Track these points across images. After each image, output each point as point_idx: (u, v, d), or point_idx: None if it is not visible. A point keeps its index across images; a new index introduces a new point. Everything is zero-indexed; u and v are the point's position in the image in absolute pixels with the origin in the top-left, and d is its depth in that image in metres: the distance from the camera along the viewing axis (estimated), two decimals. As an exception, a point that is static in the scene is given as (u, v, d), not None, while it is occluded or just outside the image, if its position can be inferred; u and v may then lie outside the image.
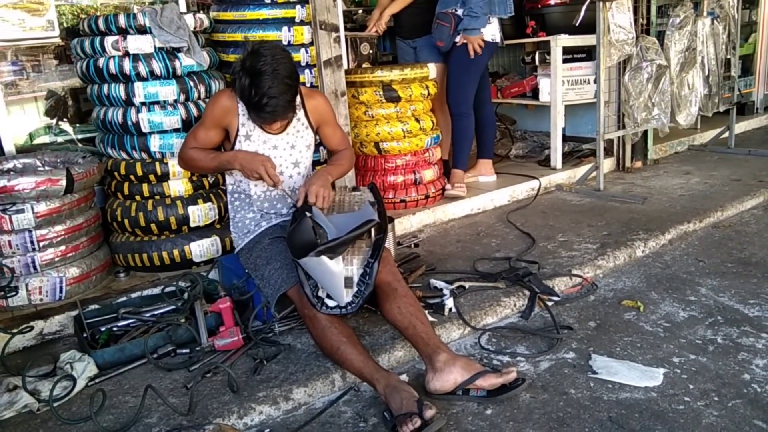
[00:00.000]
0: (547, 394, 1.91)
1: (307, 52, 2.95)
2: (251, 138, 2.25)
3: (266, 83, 2.01)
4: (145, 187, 2.71)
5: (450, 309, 2.35)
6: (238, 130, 2.24)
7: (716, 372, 1.97)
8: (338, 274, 1.91)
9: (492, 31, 3.51)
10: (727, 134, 4.90)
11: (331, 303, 1.95)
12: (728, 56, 4.58)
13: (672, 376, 1.96)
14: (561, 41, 4.05)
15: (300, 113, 2.31)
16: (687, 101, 4.32)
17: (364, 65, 4.22)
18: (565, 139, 4.37)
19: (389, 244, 2.78)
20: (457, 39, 3.49)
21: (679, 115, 4.30)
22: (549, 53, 4.14)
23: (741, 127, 5.36)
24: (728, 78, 4.70)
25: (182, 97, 2.68)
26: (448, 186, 3.55)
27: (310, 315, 1.99)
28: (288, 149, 2.31)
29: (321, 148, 3.08)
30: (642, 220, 3.28)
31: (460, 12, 3.45)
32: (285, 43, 2.90)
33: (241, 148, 2.25)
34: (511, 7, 3.51)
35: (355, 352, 1.91)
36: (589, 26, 3.84)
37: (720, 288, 2.57)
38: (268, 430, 1.82)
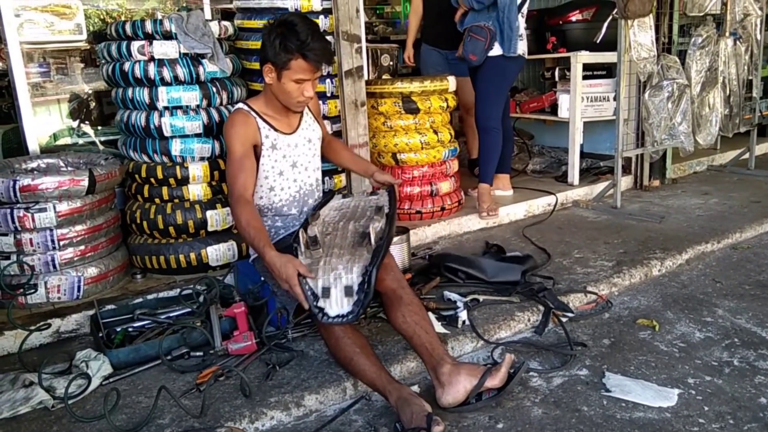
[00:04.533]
0: (559, 411, 1.90)
1: (328, 61, 2.98)
2: (277, 146, 2.30)
3: (304, 27, 2.12)
4: (164, 190, 2.74)
5: (463, 321, 2.34)
6: (262, 144, 2.28)
7: (732, 395, 1.95)
8: None
9: (522, 47, 3.49)
10: (747, 155, 4.87)
11: (331, 312, 1.89)
12: (750, 77, 4.56)
13: (687, 397, 1.94)
14: (581, 58, 4.06)
15: (306, 108, 2.42)
16: (707, 121, 4.30)
17: (384, 76, 4.24)
18: (583, 155, 4.36)
19: (404, 254, 2.79)
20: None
21: (699, 134, 4.28)
22: (569, 69, 4.15)
23: (761, 148, 5.31)
24: (749, 99, 4.67)
25: (205, 103, 2.72)
26: (483, 213, 3.54)
27: (324, 325, 1.99)
28: (307, 144, 2.40)
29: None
30: (659, 239, 3.26)
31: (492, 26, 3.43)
32: (307, 52, 2.93)
33: (269, 160, 2.29)
34: (517, 47, 3.47)
35: (368, 364, 1.91)
36: (610, 43, 3.84)
37: (737, 310, 2.54)
38: (278, 435, 1.83)
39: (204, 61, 2.69)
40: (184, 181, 2.73)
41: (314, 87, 2.24)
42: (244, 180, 2.20)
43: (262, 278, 2.34)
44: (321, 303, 1.88)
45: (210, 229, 2.77)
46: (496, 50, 3.42)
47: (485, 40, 3.39)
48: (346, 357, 1.95)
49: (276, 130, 2.30)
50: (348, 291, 1.87)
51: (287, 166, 2.32)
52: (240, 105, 2.33)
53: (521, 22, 3.43)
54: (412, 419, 1.74)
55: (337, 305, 1.88)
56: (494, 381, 1.89)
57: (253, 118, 2.27)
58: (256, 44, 2.93)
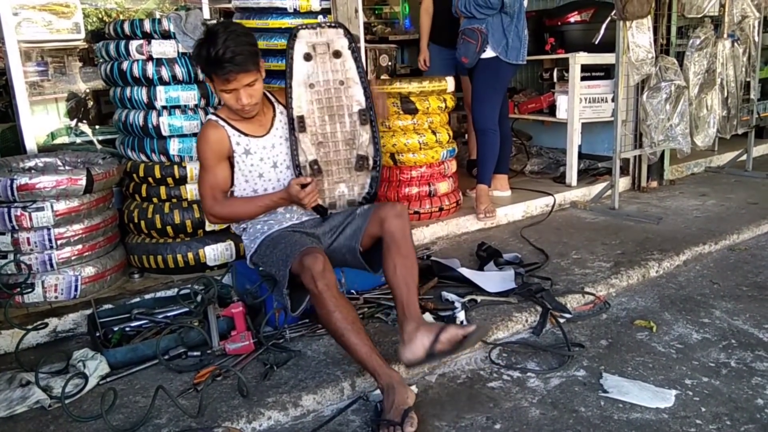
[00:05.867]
0: (556, 411, 1.90)
1: (327, 61, 2.97)
2: (250, 151, 2.26)
3: (222, 38, 2.04)
4: (162, 189, 2.74)
5: (461, 322, 2.34)
6: (234, 151, 2.25)
7: (729, 396, 1.95)
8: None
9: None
10: (744, 157, 4.87)
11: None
12: (748, 79, 4.56)
13: (684, 398, 1.95)
14: (580, 59, 4.06)
15: (280, 108, 2.36)
16: (705, 122, 4.30)
17: (382, 77, 4.23)
18: (581, 156, 4.36)
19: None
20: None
21: (696, 136, 4.28)
22: (567, 70, 4.15)
23: (759, 150, 5.32)
24: (747, 101, 4.67)
25: (203, 102, 2.72)
26: (480, 214, 3.55)
27: (316, 292, 1.98)
28: (284, 143, 2.33)
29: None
30: (656, 240, 3.26)
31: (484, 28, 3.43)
32: (306, 52, 2.93)
33: (244, 165, 2.27)
34: (524, 56, 3.49)
35: (360, 343, 1.94)
36: (608, 45, 3.84)
37: (734, 311, 2.54)
38: (276, 435, 1.83)
39: (202, 60, 2.69)
40: (182, 180, 2.73)
41: (252, 94, 2.14)
42: (221, 190, 2.25)
43: (261, 268, 2.32)
44: (330, 211, 2.33)
45: (208, 228, 2.76)
46: (489, 52, 3.42)
47: (476, 43, 3.40)
48: (337, 331, 1.96)
49: (246, 134, 2.26)
50: (351, 203, 2.35)
51: (267, 167, 2.30)
52: (210, 116, 2.29)
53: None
54: (391, 409, 1.79)
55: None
56: (448, 335, 1.98)
57: (222, 128, 2.23)
58: (254, 44, 2.93)
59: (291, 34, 2.28)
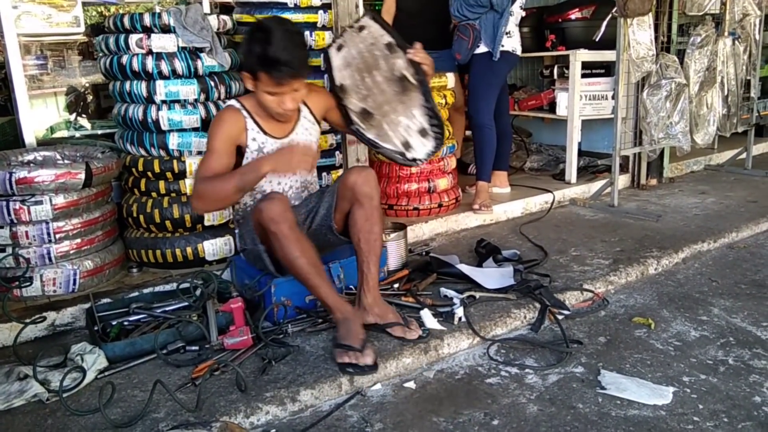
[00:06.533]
0: (554, 408, 1.90)
1: (327, 56, 2.97)
2: (264, 150, 2.24)
3: (278, 36, 2.01)
4: (161, 184, 2.74)
5: (460, 318, 2.34)
6: (248, 146, 2.23)
7: (727, 393, 1.95)
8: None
9: (513, 44, 3.50)
10: (744, 155, 4.87)
11: (421, 155, 2.29)
12: (748, 77, 4.56)
13: (682, 395, 1.95)
14: (580, 56, 4.06)
15: (304, 108, 2.33)
16: (705, 120, 4.30)
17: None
18: (581, 153, 4.36)
19: (401, 250, 2.79)
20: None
21: (696, 134, 4.28)
22: (567, 67, 4.15)
23: (759, 148, 5.33)
24: (747, 99, 4.67)
25: (202, 97, 2.71)
26: (476, 205, 3.55)
27: (278, 234, 2.03)
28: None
29: (337, 152, 3.10)
30: (656, 237, 3.26)
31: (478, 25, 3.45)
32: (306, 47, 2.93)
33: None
34: (517, 51, 3.51)
35: (321, 283, 2.09)
36: (609, 42, 3.84)
37: (733, 309, 2.54)
38: (274, 430, 1.82)
39: (202, 55, 2.68)
40: (181, 175, 2.72)
41: (295, 98, 2.12)
42: (217, 173, 2.22)
43: (246, 249, 2.33)
44: (409, 155, 2.30)
45: (207, 223, 2.76)
46: (482, 48, 3.44)
47: (468, 39, 3.43)
48: (300, 273, 2.08)
49: (266, 133, 2.25)
50: (423, 132, 2.29)
51: None
52: (232, 102, 2.26)
53: (511, 20, 3.44)
54: (348, 336, 1.92)
55: (423, 147, 2.30)
56: (393, 332, 2.17)
57: (243, 118, 2.21)
58: (254, 38, 2.92)
59: (334, 38, 2.53)
